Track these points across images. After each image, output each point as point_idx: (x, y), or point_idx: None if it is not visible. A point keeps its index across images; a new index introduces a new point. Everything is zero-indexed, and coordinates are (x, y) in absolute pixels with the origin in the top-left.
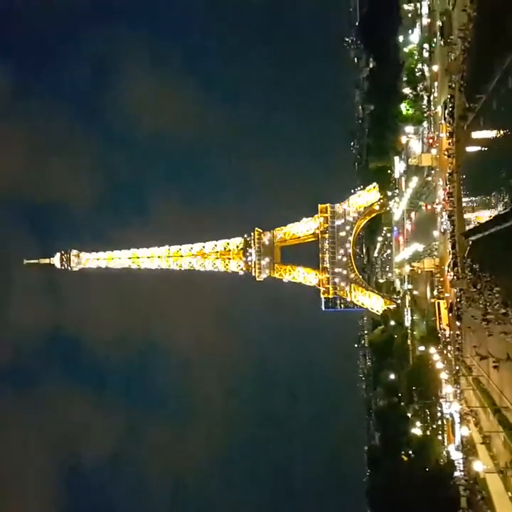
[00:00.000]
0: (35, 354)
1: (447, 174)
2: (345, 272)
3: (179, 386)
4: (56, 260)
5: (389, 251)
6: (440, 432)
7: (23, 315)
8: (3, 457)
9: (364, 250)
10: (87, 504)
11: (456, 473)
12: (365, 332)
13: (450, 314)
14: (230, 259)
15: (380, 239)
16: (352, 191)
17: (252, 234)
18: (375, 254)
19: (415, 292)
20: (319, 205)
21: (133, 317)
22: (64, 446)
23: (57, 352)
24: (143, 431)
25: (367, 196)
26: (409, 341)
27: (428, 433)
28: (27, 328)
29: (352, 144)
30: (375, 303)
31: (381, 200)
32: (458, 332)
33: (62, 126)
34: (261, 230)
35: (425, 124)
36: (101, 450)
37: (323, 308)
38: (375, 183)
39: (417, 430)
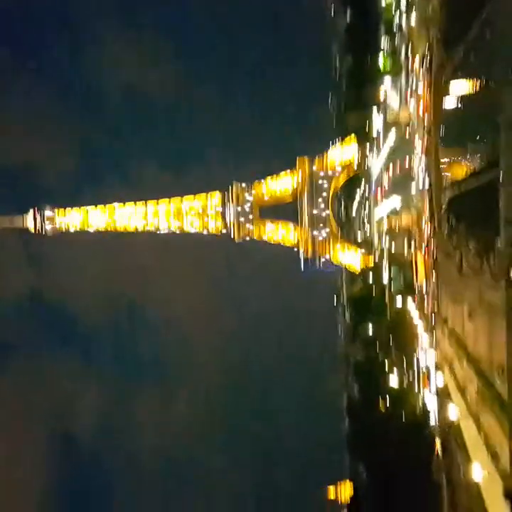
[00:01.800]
0: (15, 321)
1: (425, 129)
2: (324, 230)
3: (165, 348)
4: (29, 220)
5: (367, 207)
6: (416, 383)
7: None
8: None
9: (342, 207)
10: (79, 472)
11: (432, 421)
12: (344, 289)
13: (426, 268)
14: (206, 219)
15: (358, 196)
16: (330, 145)
17: (230, 190)
18: (354, 211)
19: (393, 248)
20: (297, 158)
21: (114, 280)
22: (52, 416)
23: (39, 319)
24: (131, 396)
25: (345, 149)
26: (387, 296)
27: (405, 384)
28: (4, 295)
29: (330, 99)
30: (353, 260)
31: (359, 154)
32: (434, 285)
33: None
34: (239, 185)
35: (403, 77)
36: (90, 417)
37: (303, 268)
38: (353, 135)
39: (394, 381)
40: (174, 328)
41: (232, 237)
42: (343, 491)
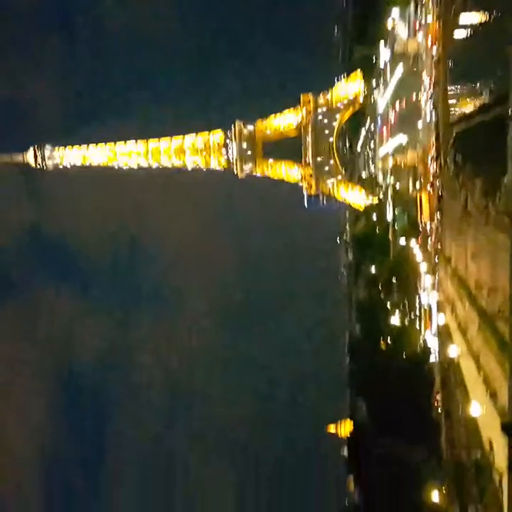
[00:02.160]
0: (17, 256)
1: (433, 61)
2: (328, 167)
3: (166, 280)
4: (30, 156)
5: (372, 144)
6: (418, 322)
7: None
8: None
9: (347, 144)
10: (82, 401)
11: (432, 359)
12: (347, 227)
13: (431, 207)
14: (210, 155)
15: (363, 132)
16: (335, 81)
17: (233, 128)
18: (359, 148)
19: (397, 186)
20: (302, 95)
21: (114, 215)
22: (55, 347)
23: (40, 253)
24: (133, 327)
25: (350, 85)
26: (390, 235)
27: (406, 323)
28: (5, 229)
29: (335, 32)
30: (357, 198)
31: (365, 89)
32: (438, 224)
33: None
34: (242, 124)
35: (412, 7)
36: (92, 349)
37: (306, 205)
38: (358, 70)
39: (395, 320)
40: (174, 261)
41: (235, 173)
42: (343, 428)
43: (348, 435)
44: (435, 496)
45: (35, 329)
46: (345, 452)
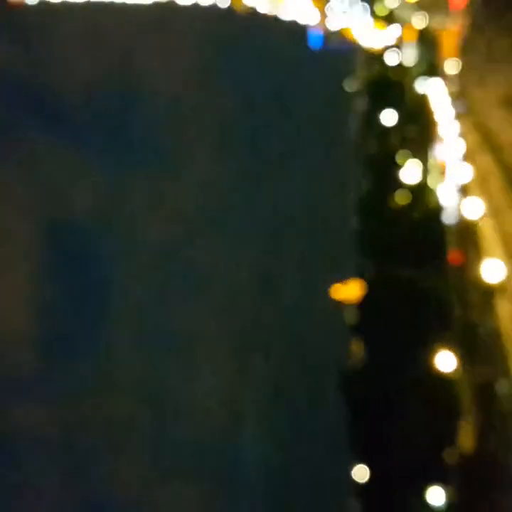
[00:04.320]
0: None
1: None
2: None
3: (166, 128)
4: None
5: None
6: (433, 177)
7: None
8: None
9: None
10: (75, 259)
11: (446, 219)
12: (360, 72)
13: (453, 45)
14: None
15: None
16: None
17: None
18: None
19: (420, 22)
20: None
21: (107, 55)
22: (49, 204)
23: (27, 99)
24: (130, 182)
25: None
26: (407, 78)
27: (420, 179)
28: None
29: None
30: (374, 38)
31: None
32: (461, 65)
33: None
34: None
35: None
36: (87, 204)
37: (315, 45)
38: None
39: (408, 176)
40: (179, 105)
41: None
42: (353, 290)
43: (359, 300)
44: (445, 360)
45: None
46: (351, 316)
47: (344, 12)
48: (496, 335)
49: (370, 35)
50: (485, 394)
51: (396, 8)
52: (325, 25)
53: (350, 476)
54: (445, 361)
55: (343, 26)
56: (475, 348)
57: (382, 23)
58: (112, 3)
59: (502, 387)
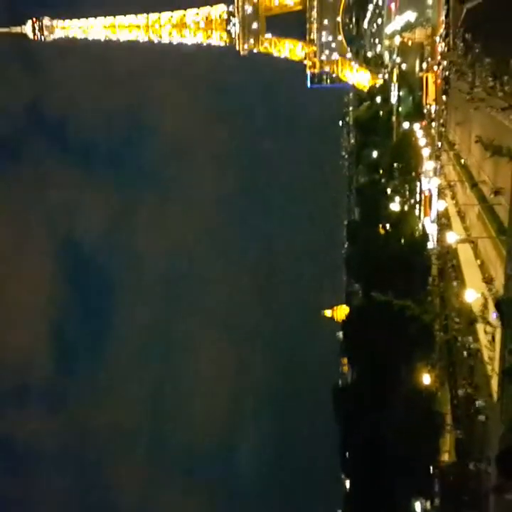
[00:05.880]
0: (16, 131)
1: None
2: (333, 44)
3: (169, 154)
4: (28, 29)
5: (380, 21)
6: (418, 207)
7: None
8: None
9: (353, 20)
10: (84, 276)
11: (430, 245)
12: (351, 109)
13: (437, 90)
14: (212, 30)
15: (370, 7)
16: None
17: (235, 1)
18: (365, 25)
19: (404, 66)
20: None
21: (116, 92)
22: (58, 223)
23: (40, 127)
24: (136, 204)
25: None
26: (394, 118)
27: (406, 208)
28: (4, 104)
29: None
30: (362, 78)
31: None
32: (443, 107)
33: None
34: None
35: None
36: (95, 225)
37: (309, 85)
38: None
39: (395, 205)
40: (180, 139)
41: (237, 49)
42: (339, 312)
43: (344, 318)
44: (426, 379)
45: (36, 205)
46: (340, 335)
47: (334, 55)
48: (475, 356)
49: (358, 76)
50: (466, 409)
51: (381, 53)
52: (321, 67)
53: (340, 487)
54: (427, 379)
55: (334, 68)
56: (456, 368)
57: (367, 66)
58: (120, 40)
59: (481, 403)
